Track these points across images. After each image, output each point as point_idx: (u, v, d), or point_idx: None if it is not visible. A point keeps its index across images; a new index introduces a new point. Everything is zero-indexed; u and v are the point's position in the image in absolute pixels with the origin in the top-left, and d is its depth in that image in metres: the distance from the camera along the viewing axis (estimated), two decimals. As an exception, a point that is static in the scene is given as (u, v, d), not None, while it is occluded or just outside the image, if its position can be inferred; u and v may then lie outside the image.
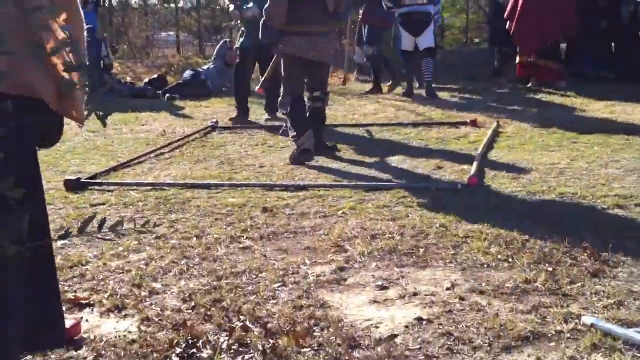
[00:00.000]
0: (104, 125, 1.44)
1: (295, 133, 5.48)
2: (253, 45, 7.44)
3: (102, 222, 1.52)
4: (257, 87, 6.68)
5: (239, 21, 8.17)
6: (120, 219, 1.47)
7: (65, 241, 3.49)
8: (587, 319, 2.41)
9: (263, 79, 6.66)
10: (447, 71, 11.59)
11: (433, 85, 9.38)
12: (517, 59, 9.85)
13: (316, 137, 5.55)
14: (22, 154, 1.76)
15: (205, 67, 11.47)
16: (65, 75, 1.80)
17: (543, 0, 9.21)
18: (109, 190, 4.71)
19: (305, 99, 5.72)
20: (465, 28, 18.16)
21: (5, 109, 1.36)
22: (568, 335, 2.36)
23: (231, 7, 7.85)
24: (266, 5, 5.36)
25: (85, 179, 4.92)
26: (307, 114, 5.63)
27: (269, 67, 6.50)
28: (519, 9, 9.42)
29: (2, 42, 1.28)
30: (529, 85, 9.70)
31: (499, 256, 3.16)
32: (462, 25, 18.39)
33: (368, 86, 10.36)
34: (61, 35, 1.61)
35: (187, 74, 10.91)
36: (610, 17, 9.84)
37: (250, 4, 7.53)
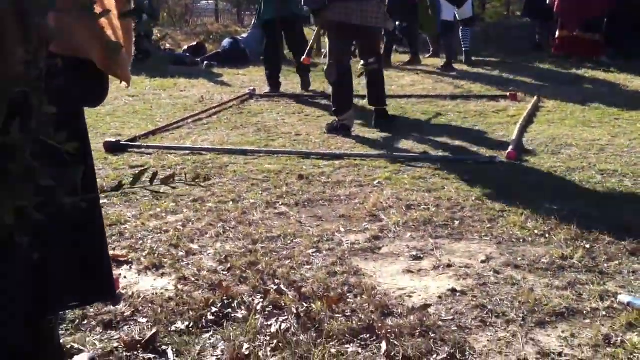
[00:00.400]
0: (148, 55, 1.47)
1: (336, 107, 5.41)
2: (277, 17, 7.30)
3: (154, 175, 1.55)
4: (303, 57, 6.42)
5: None
6: (172, 174, 1.49)
7: (105, 200, 3.55)
8: (624, 298, 2.39)
9: (309, 47, 6.46)
10: (487, 44, 11.43)
11: (472, 56, 9.64)
12: (558, 34, 9.63)
13: (377, 103, 5.53)
14: (72, 110, 1.80)
15: (244, 35, 11.47)
16: (112, 37, 1.82)
17: None
18: (147, 153, 4.77)
19: (360, 64, 5.64)
20: (507, 0, 17.81)
21: (56, 64, 1.39)
22: (603, 313, 2.34)
23: None
24: None
25: (125, 141, 4.99)
26: (366, 79, 5.57)
27: (313, 35, 6.42)
28: None
29: (52, 1, 1.29)
30: (571, 60, 9.50)
31: (536, 231, 3.14)
32: (503, -3, 18.03)
33: (406, 57, 10.26)
34: None
35: (226, 42, 10.94)
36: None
37: None
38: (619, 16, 9.31)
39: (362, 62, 5.63)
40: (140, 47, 9.11)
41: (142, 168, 1.53)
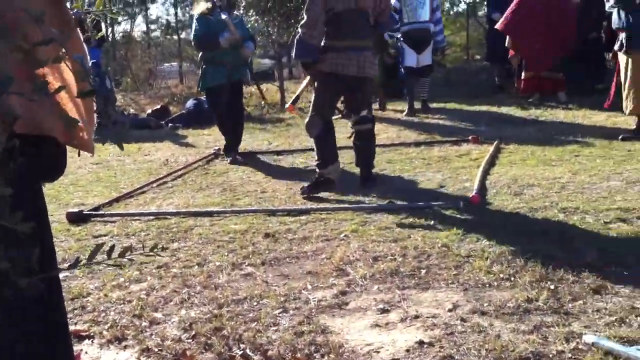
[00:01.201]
0: (122, 148, 1.49)
1: (320, 161, 5.11)
2: (226, 83, 6.88)
3: (111, 249, 1.53)
4: (288, 105, 6.10)
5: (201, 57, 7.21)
6: (129, 246, 1.48)
7: (67, 273, 3.49)
8: (589, 338, 2.38)
9: (295, 96, 6.23)
10: (449, 88, 11.63)
11: (429, 104, 9.95)
12: (524, 75, 9.81)
13: (366, 167, 5.25)
14: (28, 189, 1.78)
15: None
16: (73, 110, 1.83)
17: (549, 15, 9.22)
18: (111, 222, 4.72)
19: (351, 124, 5.28)
20: (466, 45, 18.23)
21: (12, 146, 1.39)
22: (569, 355, 2.33)
23: (224, 36, 6.74)
24: (303, 21, 4.94)
25: (88, 211, 4.93)
26: (358, 138, 5.22)
27: (302, 85, 6.22)
28: (520, 24, 9.39)
29: (8, 84, 1.29)
30: (531, 100, 9.70)
31: (501, 275, 3.14)
32: (462, 43, 18.47)
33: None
34: (73, 66, 1.65)
35: (190, 103, 10.99)
36: (599, 29, 9.78)
37: (226, 33, 6.72)
38: (576, 53, 9.56)
39: (353, 119, 5.22)
40: (103, 115, 9.08)
41: (98, 243, 1.52)
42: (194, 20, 7.05)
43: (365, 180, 5.28)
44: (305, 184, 5.23)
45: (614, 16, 6.44)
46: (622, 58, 6.45)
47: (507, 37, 9.72)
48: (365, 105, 5.23)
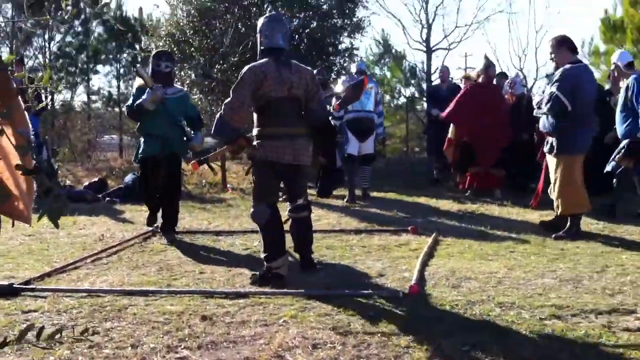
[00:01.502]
0: (57, 226, 1.46)
1: (267, 254, 4.96)
2: (161, 154, 6.76)
3: (41, 330, 1.48)
4: (193, 162, 5.76)
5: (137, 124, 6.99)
6: (59, 328, 1.42)
7: (-8, 351, 3.31)
8: None
9: (205, 157, 5.81)
10: (389, 179, 11.87)
11: (369, 193, 10.09)
12: (471, 169, 10.06)
13: (305, 254, 5.23)
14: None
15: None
16: (10, 180, 1.79)
17: (493, 110, 9.64)
18: (42, 297, 4.54)
19: (287, 211, 5.25)
20: (405, 137, 18.78)
21: None
22: None
23: (146, 96, 6.59)
24: (227, 100, 4.90)
25: (18, 284, 4.75)
26: (293, 228, 5.22)
27: (219, 150, 5.87)
28: (467, 114, 9.76)
29: None
30: (467, 194, 9.98)
31: (441, 367, 3.14)
32: (402, 135, 19.03)
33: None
34: (16, 139, 1.62)
35: (129, 178, 10.87)
36: (531, 130, 10.21)
37: (146, 95, 6.60)
38: (510, 152, 9.96)
39: (289, 207, 5.23)
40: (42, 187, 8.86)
41: (28, 323, 1.47)
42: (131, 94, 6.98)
43: (305, 266, 5.26)
44: (252, 273, 5.08)
45: (543, 120, 6.77)
46: (551, 160, 6.75)
47: (451, 125, 10.06)
48: (300, 193, 5.20)
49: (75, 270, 5.47)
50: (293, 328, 3.81)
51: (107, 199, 10.28)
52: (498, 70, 11.39)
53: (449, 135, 10.17)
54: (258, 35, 5.20)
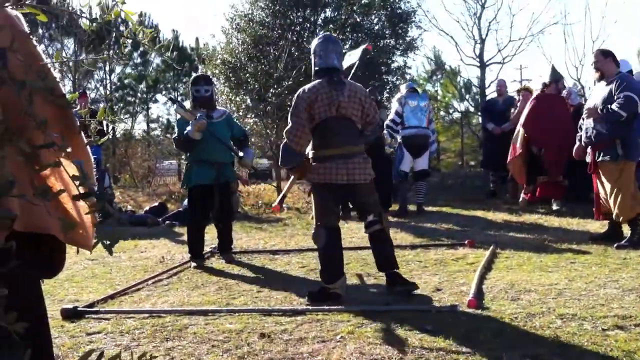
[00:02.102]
0: (111, 253, 1.51)
1: (325, 275, 4.96)
2: (215, 183, 6.79)
3: (100, 355, 1.53)
4: (275, 204, 5.71)
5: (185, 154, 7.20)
6: (118, 353, 1.47)
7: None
8: None
9: (282, 195, 5.83)
10: (444, 193, 11.78)
11: (424, 207, 10.11)
12: (542, 179, 9.79)
13: (384, 269, 5.04)
14: (27, 288, 1.81)
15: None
16: (72, 210, 1.88)
17: (558, 123, 9.43)
18: (105, 319, 4.67)
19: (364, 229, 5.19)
20: (460, 151, 18.64)
21: (10, 248, 1.43)
22: None
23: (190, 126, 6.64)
24: (288, 127, 4.97)
25: (82, 307, 4.90)
26: (370, 241, 5.13)
27: (288, 183, 5.92)
28: (540, 124, 9.57)
29: (10, 187, 1.35)
30: (521, 202, 9.82)
31: (500, 380, 3.10)
32: (457, 149, 18.90)
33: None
34: (72, 170, 1.70)
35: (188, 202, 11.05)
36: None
37: (189, 126, 6.63)
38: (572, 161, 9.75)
39: (364, 225, 5.17)
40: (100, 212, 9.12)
41: (87, 351, 1.53)
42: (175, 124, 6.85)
43: (391, 284, 5.05)
44: (309, 291, 5.07)
45: (593, 129, 6.61)
46: (610, 167, 6.60)
47: (520, 136, 9.81)
48: (369, 211, 5.08)
49: (137, 292, 5.61)
50: (350, 344, 3.81)
51: (167, 222, 10.50)
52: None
53: (517, 145, 9.97)
54: (312, 56, 5.21)
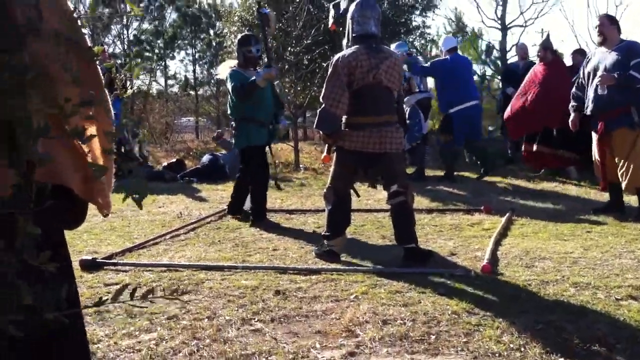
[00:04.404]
0: (140, 207, 1.53)
1: (328, 232, 5.10)
2: (268, 143, 6.88)
3: (134, 291, 1.57)
4: (324, 155, 5.40)
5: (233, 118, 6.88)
6: (152, 287, 1.51)
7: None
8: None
9: (327, 146, 5.76)
10: (461, 158, 11.71)
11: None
12: (523, 147, 9.95)
13: (402, 242, 4.99)
14: (54, 232, 1.85)
15: (223, 151, 11.69)
16: (100, 160, 1.90)
17: (545, 91, 9.34)
18: (123, 271, 4.75)
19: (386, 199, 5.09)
20: (479, 117, 18.46)
21: (45, 188, 1.46)
22: None
23: (260, 74, 6.41)
24: (325, 92, 4.88)
25: (101, 259, 4.98)
26: (391, 213, 5.08)
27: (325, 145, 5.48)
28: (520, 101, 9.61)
29: (47, 131, 1.37)
30: (540, 173, 9.77)
31: (512, 345, 3.14)
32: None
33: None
34: (105, 127, 1.73)
35: (206, 158, 11.13)
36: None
37: (260, 72, 6.46)
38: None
39: (387, 195, 5.06)
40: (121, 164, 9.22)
41: (122, 284, 1.57)
42: (228, 77, 6.62)
43: (407, 258, 4.95)
44: (316, 247, 5.29)
45: (624, 93, 6.41)
46: (625, 135, 6.37)
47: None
48: (394, 180, 4.99)
49: (155, 246, 5.68)
50: (364, 304, 3.86)
51: (185, 178, 10.57)
52: (576, 47, 11.03)
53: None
54: (349, 22, 5.07)
